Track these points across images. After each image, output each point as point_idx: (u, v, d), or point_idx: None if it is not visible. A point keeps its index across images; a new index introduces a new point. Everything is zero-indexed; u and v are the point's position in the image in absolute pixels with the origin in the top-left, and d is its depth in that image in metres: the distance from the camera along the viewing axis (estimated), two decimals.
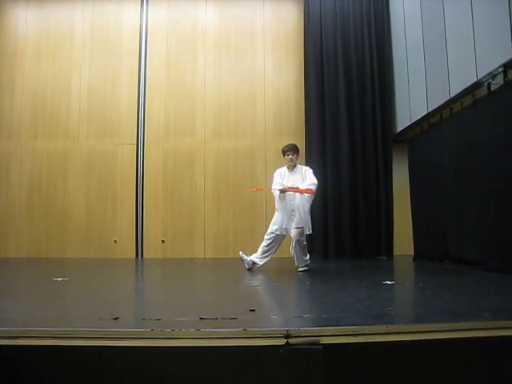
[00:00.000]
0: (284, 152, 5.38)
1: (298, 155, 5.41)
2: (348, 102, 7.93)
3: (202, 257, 7.84)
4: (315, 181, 5.16)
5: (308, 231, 5.27)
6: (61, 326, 2.15)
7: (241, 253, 5.41)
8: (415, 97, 7.01)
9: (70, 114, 8.31)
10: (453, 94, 5.71)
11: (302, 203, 5.13)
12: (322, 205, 7.74)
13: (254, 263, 5.33)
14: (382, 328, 2.14)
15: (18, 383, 2.28)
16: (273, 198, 7.94)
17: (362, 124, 7.92)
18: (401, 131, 7.70)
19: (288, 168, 5.38)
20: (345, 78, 7.97)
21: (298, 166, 5.42)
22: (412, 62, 7.18)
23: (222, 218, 7.99)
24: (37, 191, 8.19)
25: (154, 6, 8.51)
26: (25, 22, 8.50)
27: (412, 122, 7.12)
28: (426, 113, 6.55)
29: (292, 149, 5.35)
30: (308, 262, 5.40)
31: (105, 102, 8.31)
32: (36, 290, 3.93)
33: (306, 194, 5.09)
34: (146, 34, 8.46)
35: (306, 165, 7.85)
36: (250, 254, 5.40)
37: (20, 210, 8.16)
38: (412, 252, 7.26)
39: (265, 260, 5.35)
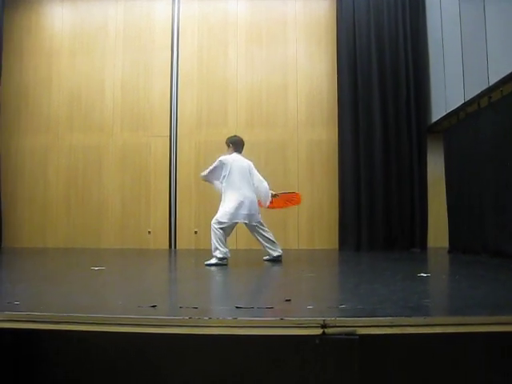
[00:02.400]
0: None
1: (228, 147, 5.48)
2: (381, 92, 7.80)
3: (234, 248, 7.87)
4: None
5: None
6: (103, 312, 2.22)
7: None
8: (451, 85, 6.84)
9: (105, 108, 8.47)
10: (492, 82, 5.54)
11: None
12: (355, 196, 7.69)
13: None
14: (420, 320, 2.12)
15: (63, 365, 2.37)
16: (305, 189, 8.02)
17: (395, 114, 7.78)
18: (436, 121, 7.53)
19: None
20: (378, 67, 7.83)
21: None
22: (448, 49, 6.98)
23: None
24: (73, 184, 8.40)
25: None
26: (60, 19, 8.69)
27: (448, 111, 6.95)
28: (462, 102, 6.38)
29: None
30: (213, 256, 5.06)
31: (138, 95, 8.43)
32: (76, 278, 4.05)
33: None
34: (178, 26, 8.51)
35: (339, 156, 7.83)
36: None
37: (58, 201, 8.39)
38: (446, 244, 7.12)
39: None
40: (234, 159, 5.28)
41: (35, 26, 8.70)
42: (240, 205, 5.13)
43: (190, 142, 8.25)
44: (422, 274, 4.02)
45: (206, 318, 2.09)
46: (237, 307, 2.33)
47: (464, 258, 6.06)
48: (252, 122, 8.23)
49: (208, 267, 4.87)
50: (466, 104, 6.35)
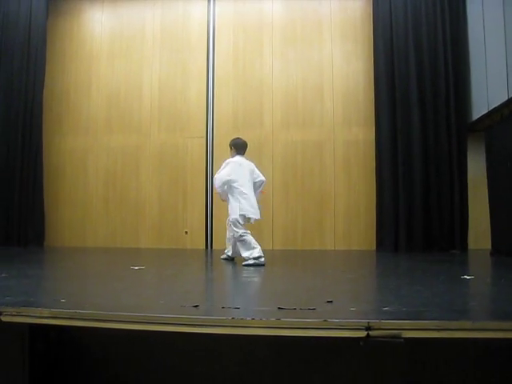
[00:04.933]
0: None
1: (230, 149, 5.64)
2: (420, 90, 7.63)
3: (271, 248, 7.88)
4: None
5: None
6: (147, 312, 2.25)
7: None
8: (494, 81, 6.62)
9: (142, 109, 8.61)
10: None
11: None
12: (393, 196, 7.55)
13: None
14: (468, 324, 2.05)
15: (106, 362, 2.42)
16: (341, 190, 7.95)
17: (434, 113, 7.59)
18: (477, 119, 7.31)
19: None
20: (416, 64, 7.65)
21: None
22: (490, 42, 6.75)
23: (290, 209, 7.99)
24: (112, 184, 8.58)
25: (220, 0, 8.62)
26: (100, 23, 8.89)
27: (490, 109, 6.73)
28: (506, 99, 6.17)
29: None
30: (250, 258, 5.01)
31: (175, 96, 8.54)
32: (116, 277, 4.12)
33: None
34: (214, 28, 8.58)
35: (377, 156, 7.71)
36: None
37: (97, 202, 8.59)
38: (487, 246, 6.89)
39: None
40: (236, 161, 5.41)
41: (76, 31, 8.93)
42: (247, 202, 5.25)
43: (227, 142, 8.22)
44: (466, 277, 3.91)
45: (249, 319, 2.09)
46: (279, 308, 2.31)
47: (508, 260, 5.86)
48: (288, 122, 8.20)
49: (246, 267, 4.87)
50: (510, 101, 6.14)
